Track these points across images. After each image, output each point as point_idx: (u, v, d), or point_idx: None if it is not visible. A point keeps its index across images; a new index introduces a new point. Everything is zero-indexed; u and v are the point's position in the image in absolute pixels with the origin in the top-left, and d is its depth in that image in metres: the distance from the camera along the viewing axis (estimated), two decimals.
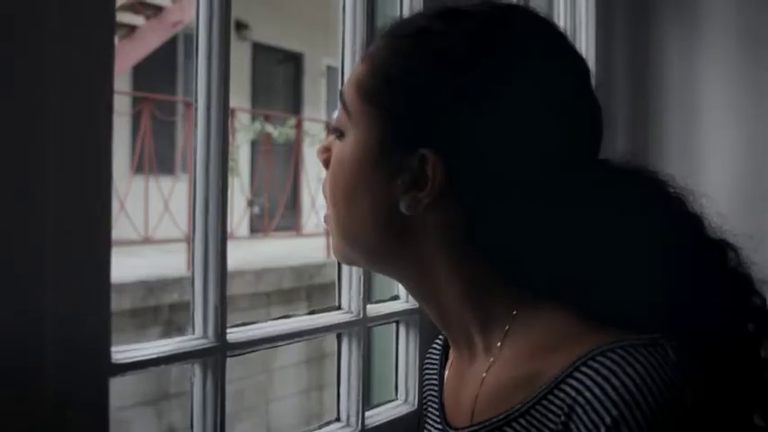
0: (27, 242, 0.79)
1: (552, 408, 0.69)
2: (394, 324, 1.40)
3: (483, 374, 0.77)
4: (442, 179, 0.73)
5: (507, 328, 0.77)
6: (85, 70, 0.83)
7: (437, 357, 0.92)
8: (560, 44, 0.78)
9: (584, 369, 0.67)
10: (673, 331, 0.70)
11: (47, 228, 0.80)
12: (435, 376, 0.91)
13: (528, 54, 0.75)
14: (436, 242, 0.76)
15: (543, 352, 0.73)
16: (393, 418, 1.34)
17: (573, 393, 0.67)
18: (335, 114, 0.84)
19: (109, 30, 0.86)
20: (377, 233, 0.78)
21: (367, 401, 1.30)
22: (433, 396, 0.90)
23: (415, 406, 1.37)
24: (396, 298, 1.41)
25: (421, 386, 0.99)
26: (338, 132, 0.80)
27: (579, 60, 0.79)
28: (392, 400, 1.39)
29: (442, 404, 0.86)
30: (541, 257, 0.76)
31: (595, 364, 0.67)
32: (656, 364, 0.66)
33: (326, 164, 0.81)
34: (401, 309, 1.38)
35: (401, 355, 1.40)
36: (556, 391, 0.69)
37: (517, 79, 0.74)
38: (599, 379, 0.66)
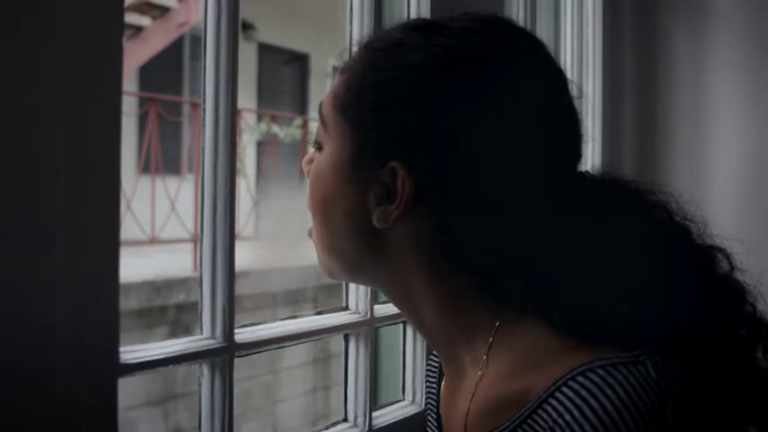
0: (36, 242, 0.79)
1: (537, 428, 0.68)
2: (401, 324, 1.40)
3: (473, 389, 0.77)
4: (411, 192, 0.74)
5: (491, 340, 0.76)
6: (94, 71, 0.83)
7: (436, 368, 0.92)
8: (536, 55, 0.78)
9: (564, 390, 0.67)
10: (656, 346, 0.69)
11: (56, 228, 0.80)
12: (434, 387, 0.91)
13: (500, 67, 0.75)
14: (411, 254, 0.77)
15: (527, 369, 0.72)
16: (400, 418, 1.34)
17: (554, 415, 0.67)
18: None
19: (117, 31, 0.86)
20: (353, 245, 0.79)
21: (374, 402, 1.30)
22: (431, 408, 0.90)
23: (422, 406, 1.37)
24: None
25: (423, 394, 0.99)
26: (317, 144, 0.81)
27: (556, 71, 0.78)
28: (399, 401, 1.39)
29: (439, 416, 0.86)
30: (518, 270, 0.75)
31: (575, 385, 0.66)
32: (635, 383, 0.66)
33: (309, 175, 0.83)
34: None
35: (408, 355, 1.40)
36: (539, 411, 0.68)
37: (489, 92, 0.74)
38: (578, 401, 0.66)
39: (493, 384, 0.75)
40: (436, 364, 0.92)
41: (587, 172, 0.80)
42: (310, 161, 0.82)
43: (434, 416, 0.88)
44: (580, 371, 0.67)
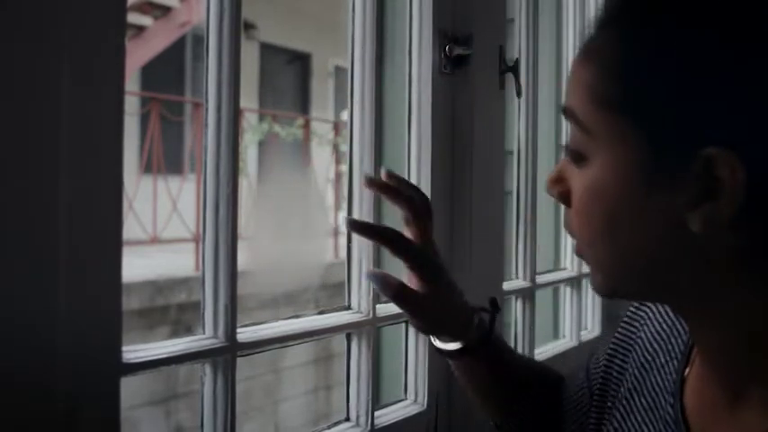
0: (38, 242, 0.79)
1: None
2: (403, 324, 1.40)
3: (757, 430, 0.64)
4: (744, 181, 0.58)
5: None
6: (96, 71, 0.83)
7: (684, 347, 0.78)
8: None
9: None
10: None
11: (58, 228, 0.80)
12: (672, 368, 0.78)
13: None
14: (734, 269, 0.62)
15: None
16: (402, 417, 1.34)
17: None
18: (571, 134, 0.67)
19: (120, 30, 0.86)
20: (659, 265, 0.64)
21: (376, 401, 1.30)
22: (646, 383, 0.79)
23: (425, 406, 1.37)
24: None
25: (594, 356, 0.84)
26: (578, 156, 0.66)
27: None
28: (401, 400, 1.39)
29: (681, 405, 0.74)
30: None
31: None
32: None
33: (563, 197, 0.69)
34: None
35: (410, 354, 1.40)
36: None
37: None
38: None
39: None
40: (684, 342, 0.78)
41: None
42: (560, 180, 0.69)
43: (671, 408, 0.75)
44: None
